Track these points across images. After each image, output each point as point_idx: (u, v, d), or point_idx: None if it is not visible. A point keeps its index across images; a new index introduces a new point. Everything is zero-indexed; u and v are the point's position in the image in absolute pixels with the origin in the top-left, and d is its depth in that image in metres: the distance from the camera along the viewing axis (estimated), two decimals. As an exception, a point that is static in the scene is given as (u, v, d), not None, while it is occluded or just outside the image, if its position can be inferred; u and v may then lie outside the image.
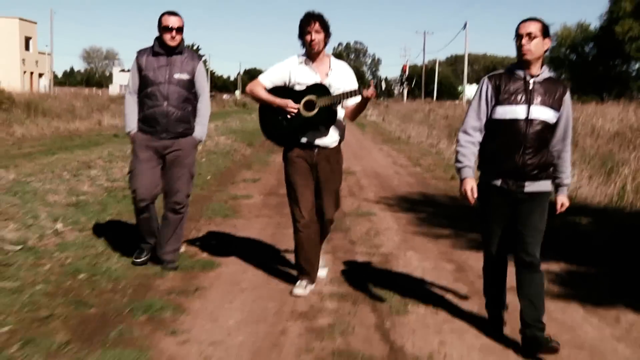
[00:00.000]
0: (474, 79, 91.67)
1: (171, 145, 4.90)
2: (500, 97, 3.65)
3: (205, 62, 4.63)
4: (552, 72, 3.79)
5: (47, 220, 6.01)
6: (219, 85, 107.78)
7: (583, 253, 6.02)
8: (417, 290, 4.85)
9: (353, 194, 9.46)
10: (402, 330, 4.00)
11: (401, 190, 10.08)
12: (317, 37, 4.41)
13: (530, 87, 3.62)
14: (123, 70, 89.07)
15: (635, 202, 8.60)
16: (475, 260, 5.71)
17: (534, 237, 3.68)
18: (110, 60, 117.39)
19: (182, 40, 4.90)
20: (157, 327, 3.84)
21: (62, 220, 6.12)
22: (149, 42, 4.97)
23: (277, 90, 4.55)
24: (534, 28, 3.56)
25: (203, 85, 5.03)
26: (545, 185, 3.72)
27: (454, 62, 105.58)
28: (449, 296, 4.74)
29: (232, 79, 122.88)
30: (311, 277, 4.70)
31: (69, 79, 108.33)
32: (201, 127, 5.04)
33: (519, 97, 3.61)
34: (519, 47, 3.58)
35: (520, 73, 3.65)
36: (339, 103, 4.48)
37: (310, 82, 4.47)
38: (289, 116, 4.49)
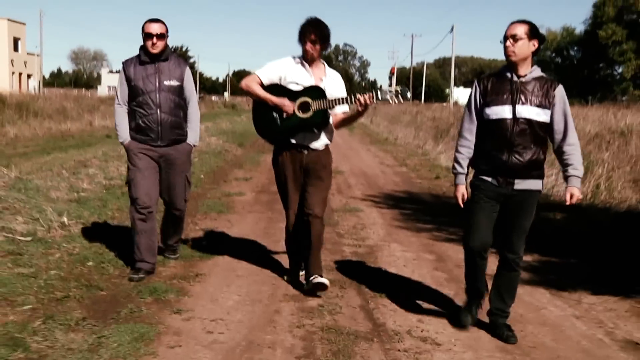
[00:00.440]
0: (462, 81, 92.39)
1: (166, 152, 4.92)
2: (487, 99, 3.82)
3: (193, 65, 4.67)
4: (543, 73, 3.90)
5: (52, 214, 6.37)
6: (208, 87, 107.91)
7: (555, 245, 6.47)
8: (400, 276, 5.30)
9: (341, 191, 9.89)
10: (384, 310, 4.43)
11: (387, 188, 10.52)
12: (314, 47, 4.52)
13: (516, 87, 3.76)
14: (111, 72, 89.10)
15: (607, 199, 9.08)
16: (454, 251, 6.17)
17: (520, 236, 3.91)
18: (98, 61, 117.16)
19: (166, 47, 4.89)
20: (163, 306, 4.24)
21: (67, 215, 6.49)
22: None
23: (273, 89, 4.60)
24: (519, 30, 3.70)
25: (192, 91, 5.05)
26: (535, 184, 3.85)
27: (442, 64, 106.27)
28: (429, 282, 5.17)
29: (220, 80, 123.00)
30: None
31: (57, 80, 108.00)
32: (193, 132, 5.08)
33: (504, 97, 3.77)
34: (505, 48, 3.75)
35: (508, 74, 3.80)
36: (333, 108, 4.56)
37: (306, 83, 4.55)
38: (284, 115, 4.57)
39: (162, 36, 4.82)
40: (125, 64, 4.90)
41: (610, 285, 5.17)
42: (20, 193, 7.28)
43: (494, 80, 3.85)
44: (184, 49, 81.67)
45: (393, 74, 73.20)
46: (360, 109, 4.48)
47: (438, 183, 11.25)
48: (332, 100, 4.48)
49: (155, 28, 4.79)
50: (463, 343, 3.89)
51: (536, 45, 3.75)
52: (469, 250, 3.99)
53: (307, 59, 4.60)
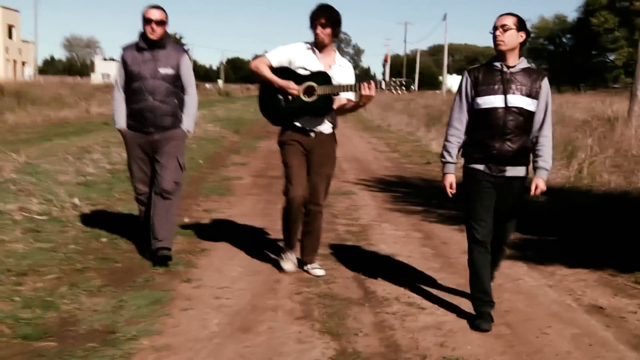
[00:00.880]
0: (455, 68, 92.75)
1: (159, 138, 4.95)
2: (479, 89, 3.90)
3: (188, 53, 4.71)
4: (531, 64, 4.04)
5: (64, 196, 6.79)
6: (201, 74, 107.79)
7: (535, 225, 6.91)
8: (389, 251, 5.74)
9: (335, 176, 10.25)
10: (375, 280, 4.87)
11: (379, 173, 10.97)
12: (324, 31, 4.59)
13: (507, 77, 3.87)
14: (105, 59, 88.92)
15: (589, 183, 9.54)
16: (441, 230, 6.63)
17: (511, 221, 4.10)
18: (92, 48, 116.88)
19: (165, 34, 4.92)
20: (174, 276, 4.68)
21: (77, 196, 6.90)
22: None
23: (281, 72, 4.66)
24: (508, 21, 3.82)
25: (189, 79, 5.05)
26: (522, 171, 4.00)
27: (436, 52, 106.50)
28: (416, 256, 5.62)
29: (214, 67, 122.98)
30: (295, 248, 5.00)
31: (50, 67, 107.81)
32: (189, 118, 5.07)
33: (496, 87, 3.87)
34: (494, 38, 3.86)
35: (498, 65, 3.90)
36: (337, 94, 4.63)
37: (314, 69, 4.61)
38: (290, 97, 4.65)
39: (162, 23, 4.86)
40: (125, 49, 4.98)
41: (584, 259, 5.62)
42: (31, 177, 7.70)
43: (485, 70, 3.95)
44: (177, 36, 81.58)
45: (387, 61, 73.51)
46: (363, 101, 4.54)
47: (428, 168, 11.70)
48: (336, 86, 4.56)
49: (155, 14, 4.83)
50: (445, 308, 4.33)
51: (524, 37, 3.89)
52: (473, 239, 4.04)
53: (317, 45, 4.68)
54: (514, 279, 5.06)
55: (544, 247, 6.13)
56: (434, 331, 3.89)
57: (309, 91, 4.60)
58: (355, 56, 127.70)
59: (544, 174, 4.03)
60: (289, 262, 4.97)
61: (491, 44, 3.95)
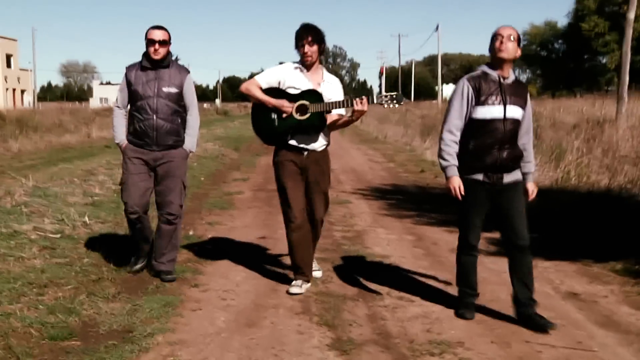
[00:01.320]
0: (451, 78, 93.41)
1: (162, 157, 5.00)
2: (480, 99, 3.99)
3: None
4: (517, 75, 4.23)
5: (74, 215, 7.18)
6: (199, 94, 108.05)
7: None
8: (383, 253, 6.13)
9: (332, 186, 10.64)
10: (369, 278, 5.25)
11: (375, 182, 11.37)
12: (311, 49, 4.68)
13: (504, 88, 4.00)
14: (102, 83, 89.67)
15: (575, 183, 9.93)
16: (432, 232, 7.02)
17: (522, 221, 4.15)
18: (89, 73, 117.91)
19: (168, 53, 4.99)
20: (182, 283, 5.06)
21: (87, 216, 7.29)
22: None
23: (271, 92, 4.75)
24: (512, 32, 3.95)
25: (192, 98, 5.14)
26: (518, 174, 4.16)
27: (431, 62, 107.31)
28: (408, 256, 6.01)
29: (211, 87, 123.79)
30: (307, 276, 4.90)
31: (49, 93, 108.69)
32: (191, 138, 5.15)
33: (495, 98, 3.98)
34: (499, 45, 3.93)
35: (494, 75, 4.01)
36: (330, 111, 4.73)
37: (304, 88, 4.69)
38: (284, 115, 4.71)
39: (165, 43, 4.92)
40: (128, 68, 5.05)
41: (565, 252, 6.01)
42: (41, 199, 8.08)
43: (483, 80, 4.02)
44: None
45: (382, 73, 74.19)
46: (356, 116, 4.62)
47: (423, 176, 12.11)
48: (328, 103, 4.64)
49: (157, 34, 4.90)
50: (433, 301, 4.70)
51: (519, 54, 4.03)
52: (465, 247, 4.25)
53: (305, 65, 4.76)
54: (498, 273, 5.41)
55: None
56: (422, 319, 4.28)
57: (301, 109, 4.68)
58: (351, 70, 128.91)
59: (532, 178, 4.26)
60: (295, 287, 4.82)
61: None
